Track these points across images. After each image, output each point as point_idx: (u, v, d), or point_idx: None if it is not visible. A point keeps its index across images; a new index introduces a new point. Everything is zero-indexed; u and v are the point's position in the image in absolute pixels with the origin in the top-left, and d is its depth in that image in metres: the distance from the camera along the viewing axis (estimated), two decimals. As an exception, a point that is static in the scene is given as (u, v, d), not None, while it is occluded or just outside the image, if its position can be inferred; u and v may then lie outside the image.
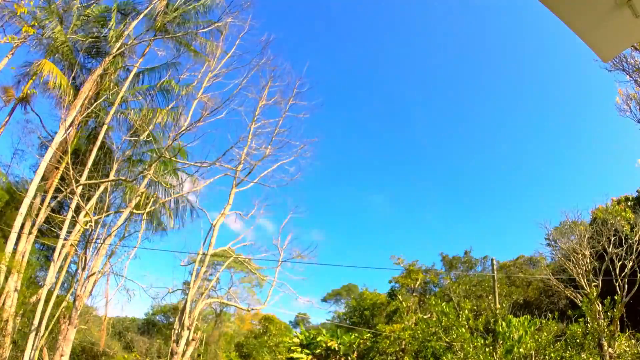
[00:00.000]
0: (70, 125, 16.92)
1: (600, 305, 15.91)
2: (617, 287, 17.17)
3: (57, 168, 17.17)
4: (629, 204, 21.16)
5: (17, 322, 16.04)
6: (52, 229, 18.49)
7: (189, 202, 22.59)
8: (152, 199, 20.22)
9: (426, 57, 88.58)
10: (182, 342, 17.57)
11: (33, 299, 16.66)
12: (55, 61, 18.24)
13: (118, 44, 18.19)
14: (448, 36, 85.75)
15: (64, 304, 19.02)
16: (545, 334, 14.12)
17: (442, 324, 15.20)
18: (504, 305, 22.06)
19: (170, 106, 20.16)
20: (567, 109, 76.92)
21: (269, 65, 20.90)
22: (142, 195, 18.91)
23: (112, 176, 18.09)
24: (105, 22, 20.01)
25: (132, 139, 19.75)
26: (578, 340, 13.86)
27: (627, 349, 15.22)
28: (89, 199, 17.72)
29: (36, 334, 15.69)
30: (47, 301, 16.26)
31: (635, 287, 17.31)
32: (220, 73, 20.23)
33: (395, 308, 31.92)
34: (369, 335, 32.19)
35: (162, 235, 22.66)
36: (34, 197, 16.26)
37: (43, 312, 16.04)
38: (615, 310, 14.92)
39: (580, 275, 18.18)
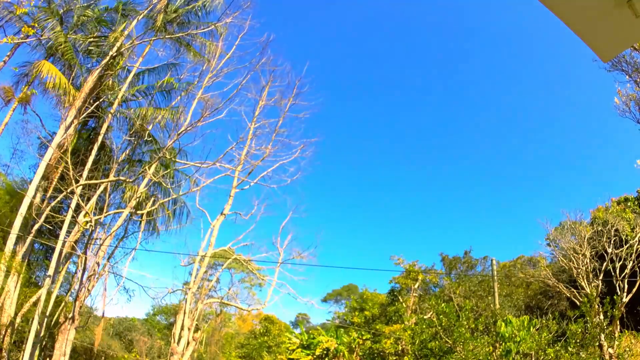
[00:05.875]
0: (70, 125, 16.91)
1: (600, 305, 15.90)
2: (617, 288, 17.16)
3: (57, 168, 17.17)
4: (629, 204, 21.13)
5: (17, 322, 16.04)
6: (52, 229, 18.49)
7: (186, 206, 22.61)
8: (152, 199, 20.22)
9: (428, 57, 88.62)
10: (183, 342, 17.56)
11: (33, 299, 16.66)
12: (55, 61, 18.24)
13: (118, 44, 18.18)
14: (449, 34, 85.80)
15: (64, 304, 19.03)
16: (545, 334, 14.10)
17: (442, 325, 15.18)
18: (505, 305, 22.04)
19: (170, 106, 20.16)
20: (567, 109, 76.96)
21: (268, 65, 20.89)
22: (141, 195, 18.90)
23: (112, 176, 18.08)
24: (105, 22, 20.02)
25: (132, 139, 19.74)
26: (578, 341, 13.83)
27: (628, 349, 15.21)
28: (88, 199, 17.71)
29: (36, 335, 15.68)
30: (47, 301, 16.25)
31: (635, 288, 17.30)
32: (220, 73, 20.21)
33: (395, 309, 31.88)
34: (369, 335, 32.15)
35: (161, 236, 22.65)
36: (34, 197, 16.25)
37: (43, 312, 16.03)
38: (615, 310, 14.91)
39: (580, 276, 18.15)
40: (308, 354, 33.41)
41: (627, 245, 17.52)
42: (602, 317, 15.46)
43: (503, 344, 14.24)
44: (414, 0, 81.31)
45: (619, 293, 16.78)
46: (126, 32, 18.79)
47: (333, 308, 56.25)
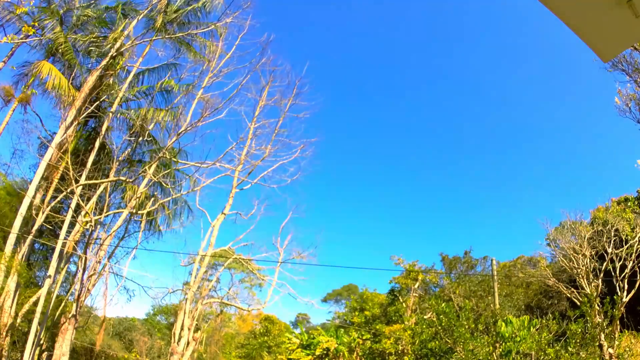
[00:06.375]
0: (70, 125, 16.90)
1: (600, 305, 15.90)
2: (617, 288, 17.16)
3: (57, 168, 17.16)
4: (629, 204, 21.13)
5: (17, 322, 16.03)
6: (52, 229, 18.48)
7: (186, 204, 22.62)
8: (152, 199, 20.22)
9: (428, 57, 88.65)
10: (183, 342, 17.56)
11: (33, 299, 16.65)
12: (55, 61, 18.22)
13: (117, 44, 18.17)
14: (449, 33, 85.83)
15: (64, 304, 19.03)
16: (545, 334, 14.11)
17: (442, 325, 15.19)
18: (505, 305, 22.03)
19: (170, 106, 20.16)
20: (567, 109, 76.98)
21: (268, 65, 20.96)
22: (141, 195, 18.90)
23: (112, 176, 18.08)
24: (105, 22, 20.00)
25: (132, 139, 19.74)
26: (578, 341, 13.84)
27: (628, 349, 15.22)
28: (88, 199, 17.71)
29: (36, 334, 15.68)
30: (47, 301, 16.25)
31: (635, 288, 17.30)
32: (220, 73, 20.25)
33: (395, 309, 31.88)
34: (369, 335, 32.14)
35: (161, 235, 22.65)
36: (34, 197, 16.25)
37: (43, 312, 16.02)
38: (615, 310, 14.91)
39: (580, 276, 18.16)
40: (308, 354, 33.38)
41: (627, 245, 17.52)
42: (602, 317, 15.46)
43: (503, 344, 14.25)
44: (414, 0, 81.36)
45: (619, 293, 16.78)
46: (126, 32, 18.78)
47: (333, 308, 56.21)
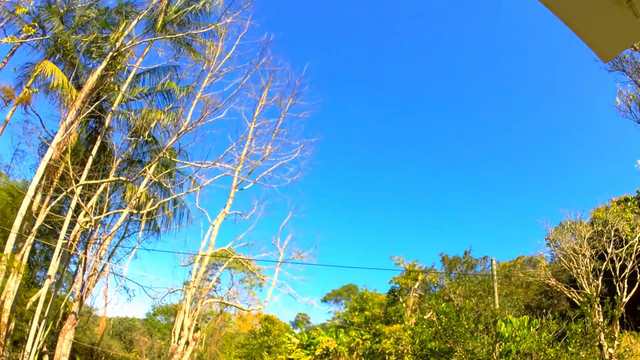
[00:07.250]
0: (70, 125, 16.91)
1: (600, 305, 15.91)
2: (617, 288, 17.17)
3: (57, 168, 17.17)
4: (629, 204, 21.14)
5: (17, 322, 16.04)
6: (52, 229, 18.49)
7: (186, 206, 22.61)
8: (152, 199, 20.22)
9: (427, 56, 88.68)
10: (182, 342, 17.56)
11: (33, 299, 16.65)
12: (56, 61, 18.23)
13: (118, 44, 18.17)
14: (448, 35, 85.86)
15: (64, 304, 19.04)
16: (545, 334, 14.10)
17: (442, 325, 15.18)
18: (505, 305, 22.02)
19: (170, 106, 20.16)
20: (567, 109, 76.99)
21: (268, 65, 20.93)
22: (141, 195, 18.90)
23: (112, 176, 18.08)
24: (105, 22, 20.01)
25: (132, 139, 19.74)
26: (578, 341, 13.83)
27: (628, 349, 15.23)
28: (88, 199, 17.71)
29: (36, 334, 15.69)
30: (47, 301, 16.25)
31: (635, 287, 17.30)
32: (220, 73, 20.24)
33: (395, 309, 31.87)
34: (369, 335, 32.11)
35: (161, 235, 22.65)
36: (34, 197, 16.25)
37: (43, 312, 16.03)
38: (615, 310, 14.92)
39: (580, 276, 18.16)
40: (308, 354, 33.38)
41: (627, 245, 17.53)
42: (602, 317, 15.46)
43: (503, 343, 14.24)
44: (414, 1, 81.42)
45: (619, 293, 16.79)
46: (126, 33, 18.78)
47: (333, 308, 56.15)
